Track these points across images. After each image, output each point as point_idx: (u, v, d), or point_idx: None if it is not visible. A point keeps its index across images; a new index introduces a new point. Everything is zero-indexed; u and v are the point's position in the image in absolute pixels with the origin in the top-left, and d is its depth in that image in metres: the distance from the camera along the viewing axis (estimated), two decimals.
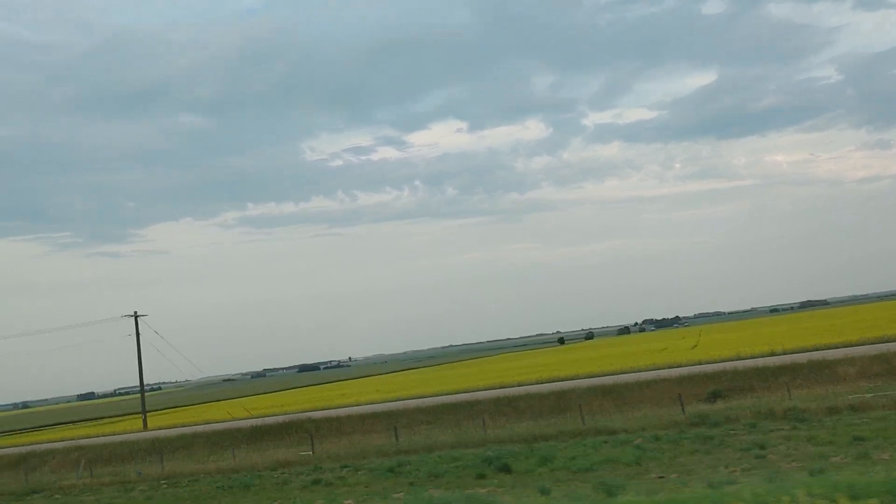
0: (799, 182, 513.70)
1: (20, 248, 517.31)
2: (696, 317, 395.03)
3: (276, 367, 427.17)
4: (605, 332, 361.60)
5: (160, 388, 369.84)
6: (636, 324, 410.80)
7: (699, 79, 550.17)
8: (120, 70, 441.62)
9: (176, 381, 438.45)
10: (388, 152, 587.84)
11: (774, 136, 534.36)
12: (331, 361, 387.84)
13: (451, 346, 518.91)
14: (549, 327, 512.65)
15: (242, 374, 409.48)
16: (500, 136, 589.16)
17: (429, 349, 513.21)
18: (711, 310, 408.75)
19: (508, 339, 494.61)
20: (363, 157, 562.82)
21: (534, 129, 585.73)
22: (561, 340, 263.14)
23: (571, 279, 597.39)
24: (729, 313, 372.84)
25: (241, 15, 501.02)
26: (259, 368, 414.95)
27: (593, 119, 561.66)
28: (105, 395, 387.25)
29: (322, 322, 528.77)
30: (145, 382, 65.44)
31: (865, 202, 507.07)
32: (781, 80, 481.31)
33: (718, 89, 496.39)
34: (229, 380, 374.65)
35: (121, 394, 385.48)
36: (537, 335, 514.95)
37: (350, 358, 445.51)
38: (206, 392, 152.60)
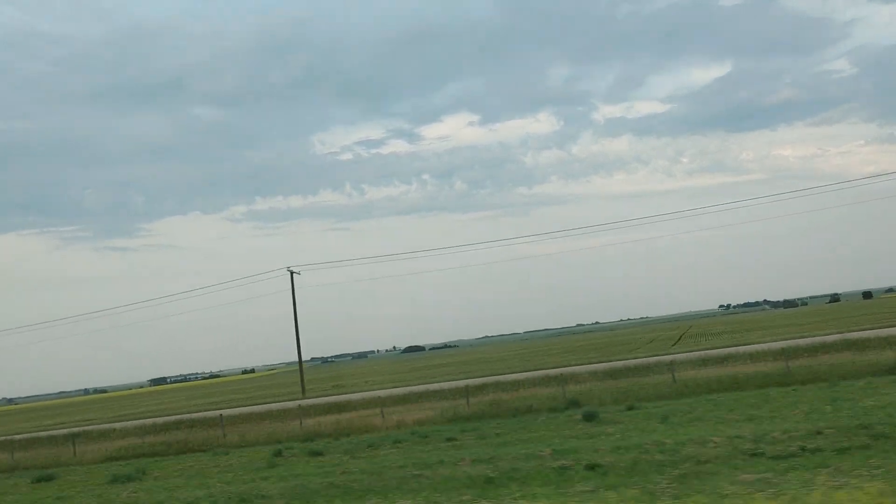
0: (806, 177, 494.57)
1: (29, 242, 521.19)
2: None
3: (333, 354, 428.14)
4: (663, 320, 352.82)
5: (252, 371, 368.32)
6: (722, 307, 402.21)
7: (713, 72, 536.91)
8: (136, 62, 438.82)
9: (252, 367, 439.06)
10: (399, 146, 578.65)
11: (784, 131, 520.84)
12: (437, 344, 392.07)
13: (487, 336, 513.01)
14: (579, 318, 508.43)
15: (341, 355, 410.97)
16: (511, 129, 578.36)
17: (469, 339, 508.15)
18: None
19: (548, 328, 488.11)
20: (373, 151, 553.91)
21: (545, 122, 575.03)
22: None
23: (595, 271, 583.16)
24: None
25: (259, 6, 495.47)
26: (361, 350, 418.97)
27: (604, 113, 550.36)
28: (175, 381, 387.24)
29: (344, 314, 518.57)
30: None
31: None
32: (796, 73, 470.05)
33: (732, 83, 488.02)
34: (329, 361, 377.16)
35: (191, 379, 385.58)
36: (576, 325, 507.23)
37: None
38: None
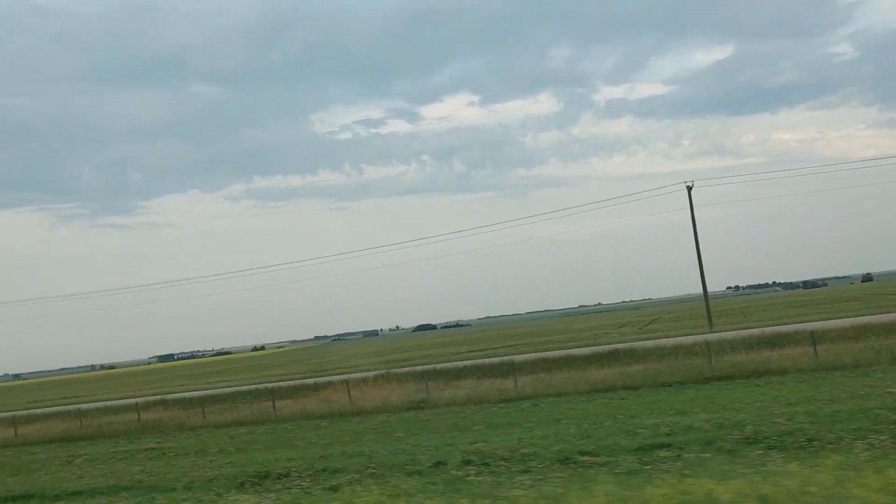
0: (806, 160, 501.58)
1: (26, 219, 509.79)
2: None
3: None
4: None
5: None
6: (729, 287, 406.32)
7: (715, 54, 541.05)
8: (134, 39, 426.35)
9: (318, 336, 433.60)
10: (399, 125, 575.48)
11: (784, 114, 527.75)
12: (448, 322, 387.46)
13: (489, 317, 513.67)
14: (580, 300, 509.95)
15: (346, 334, 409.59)
16: (511, 110, 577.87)
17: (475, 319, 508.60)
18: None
19: (549, 310, 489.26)
20: (372, 131, 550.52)
21: (545, 103, 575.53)
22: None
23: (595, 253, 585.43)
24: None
25: None
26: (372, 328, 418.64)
27: (605, 94, 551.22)
28: (182, 358, 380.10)
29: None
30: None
31: None
32: (798, 56, 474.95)
33: (734, 65, 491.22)
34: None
35: (198, 356, 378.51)
36: (579, 306, 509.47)
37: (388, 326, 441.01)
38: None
